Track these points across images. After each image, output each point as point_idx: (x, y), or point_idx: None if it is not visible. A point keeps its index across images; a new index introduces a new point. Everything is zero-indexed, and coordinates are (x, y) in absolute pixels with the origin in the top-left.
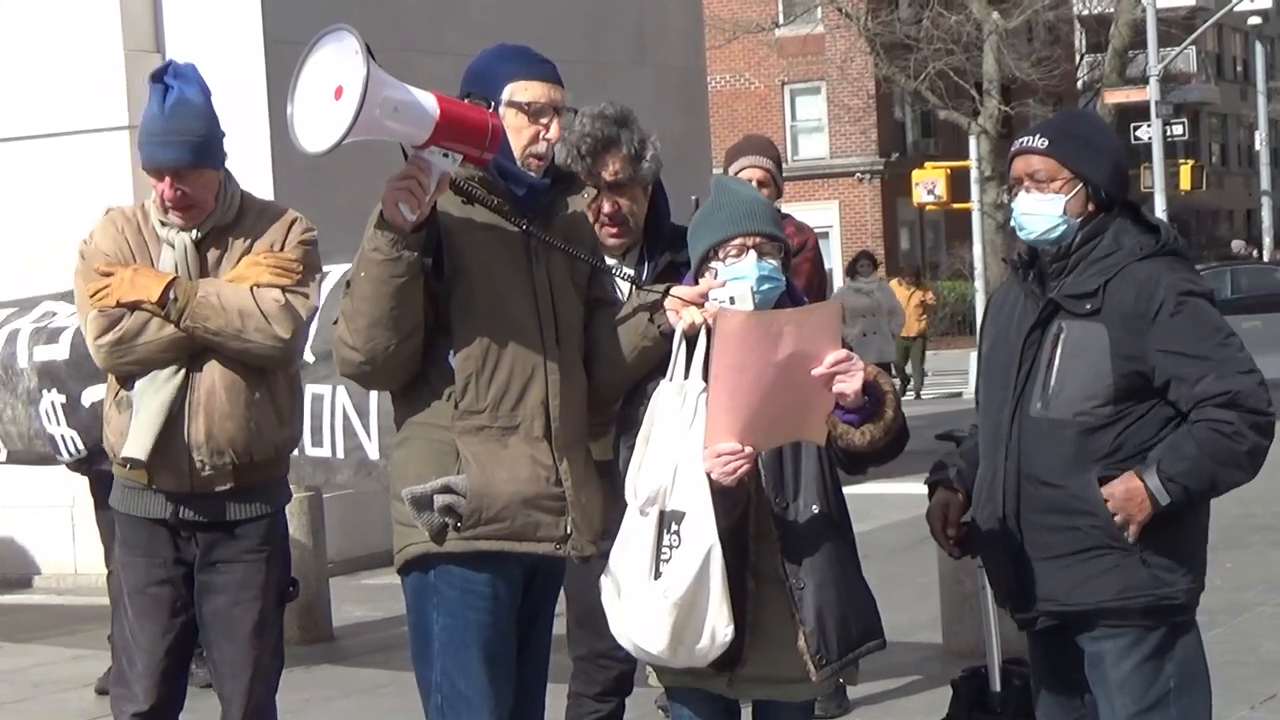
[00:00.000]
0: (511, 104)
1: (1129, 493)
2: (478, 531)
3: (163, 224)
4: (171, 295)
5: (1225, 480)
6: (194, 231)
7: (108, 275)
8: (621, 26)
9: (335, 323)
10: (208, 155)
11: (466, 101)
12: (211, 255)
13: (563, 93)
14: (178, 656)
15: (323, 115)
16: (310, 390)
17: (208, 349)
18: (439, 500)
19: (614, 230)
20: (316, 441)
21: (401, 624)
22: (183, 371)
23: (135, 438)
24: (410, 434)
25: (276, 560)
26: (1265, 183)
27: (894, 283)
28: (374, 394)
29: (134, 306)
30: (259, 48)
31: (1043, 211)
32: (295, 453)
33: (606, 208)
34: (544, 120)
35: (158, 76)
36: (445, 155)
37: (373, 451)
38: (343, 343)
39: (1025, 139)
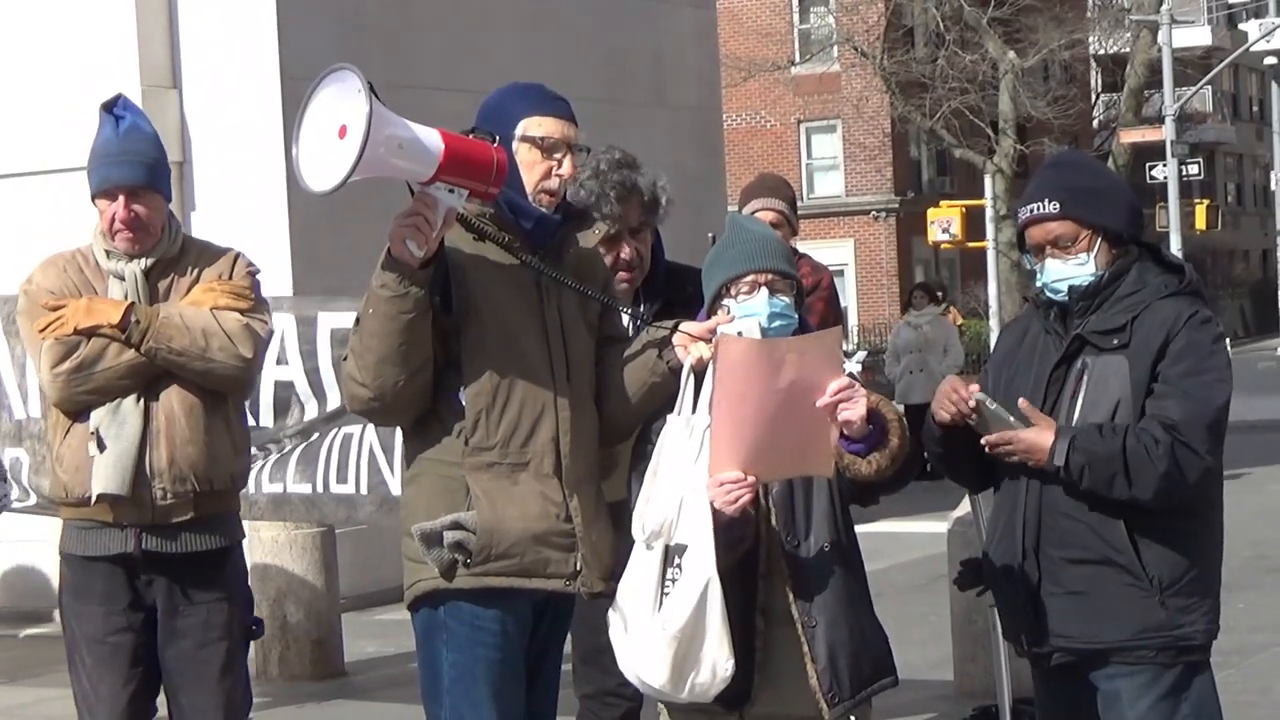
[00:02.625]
0: (525, 139)
1: (1035, 442)
2: (487, 568)
3: (109, 255)
4: (133, 318)
5: (1122, 488)
6: (143, 261)
7: (58, 309)
8: (637, 65)
9: (345, 359)
10: (159, 179)
11: (472, 137)
12: (160, 287)
13: (577, 130)
14: (140, 705)
15: (327, 154)
16: (343, 431)
17: (164, 375)
18: (449, 536)
19: (629, 275)
20: (341, 479)
21: (414, 659)
22: (143, 400)
23: (111, 472)
24: (420, 470)
25: (238, 599)
26: None
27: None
28: (400, 431)
29: (91, 333)
30: (275, 84)
31: (1075, 275)
32: (320, 490)
33: (627, 253)
34: (557, 156)
35: (109, 107)
36: (451, 191)
37: (396, 488)
38: (352, 379)
39: (1035, 206)
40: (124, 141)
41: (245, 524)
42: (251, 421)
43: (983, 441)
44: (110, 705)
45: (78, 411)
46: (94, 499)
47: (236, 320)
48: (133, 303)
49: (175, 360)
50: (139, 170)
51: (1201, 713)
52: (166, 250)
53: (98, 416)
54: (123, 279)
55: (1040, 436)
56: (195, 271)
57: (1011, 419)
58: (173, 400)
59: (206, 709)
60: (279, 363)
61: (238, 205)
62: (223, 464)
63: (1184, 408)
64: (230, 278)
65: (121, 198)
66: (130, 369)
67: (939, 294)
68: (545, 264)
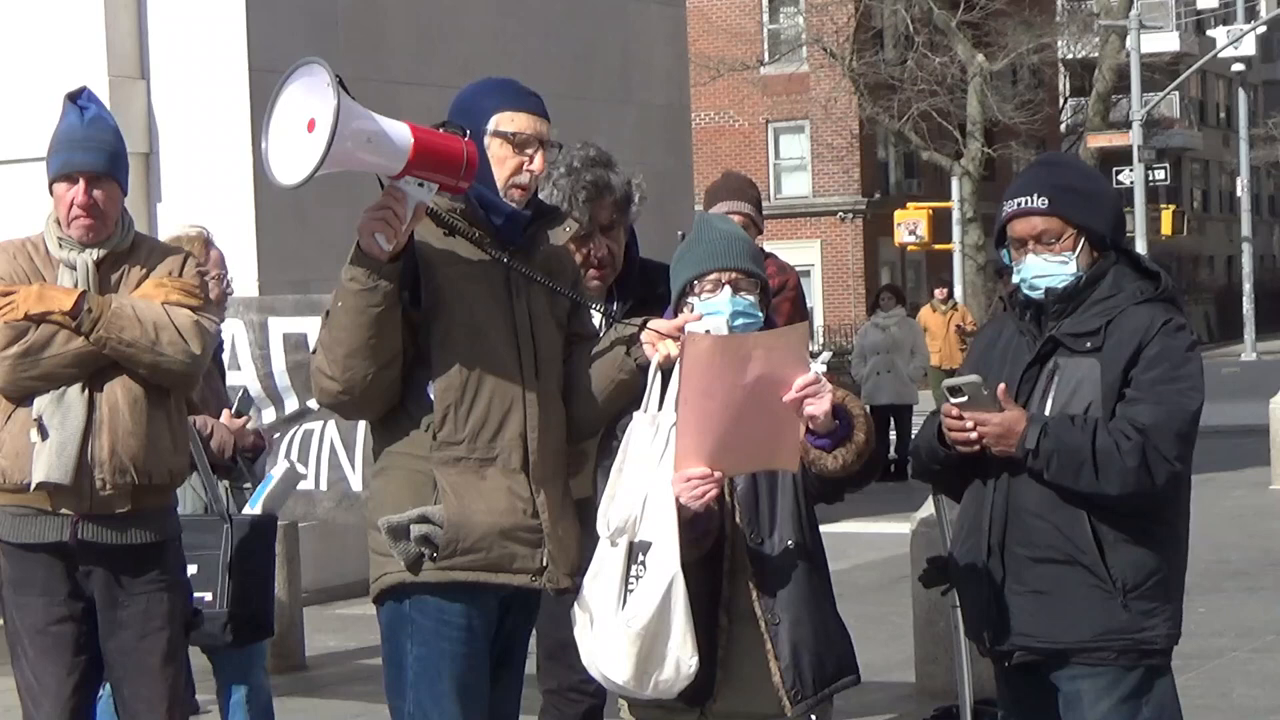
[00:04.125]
0: (497, 134)
1: (1010, 423)
2: (454, 562)
3: (61, 244)
4: (85, 306)
5: (1089, 480)
6: (95, 251)
7: (9, 294)
8: (607, 63)
9: (314, 352)
10: (119, 169)
11: (443, 131)
12: (110, 279)
13: (548, 126)
14: (84, 695)
15: (296, 148)
16: (303, 427)
17: (110, 366)
18: (415, 530)
19: (601, 273)
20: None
21: (375, 654)
22: (88, 389)
23: (53, 460)
24: (388, 464)
25: (178, 590)
26: (1246, 229)
27: (926, 308)
28: (361, 426)
29: (41, 319)
30: (243, 77)
31: (1056, 273)
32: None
33: (599, 251)
34: (529, 151)
35: (74, 97)
36: (421, 185)
37: (355, 483)
38: (321, 372)
39: (1022, 199)
40: (88, 129)
41: None
42: None
43: (952, 414)
44: (55, 696)
45: (21, 397)
46: (34, 486)
47: (187, 316)
48: (85, 291)
49: (124, 351)
50: (101, 157)
51: (1162, 716)
52: (119, 243)
53: (41, 404)
54: (73, 268)
55: (1014, 420)
56: (146, 267)
57: (997, 406)
58: (117, 392)
59: (151, 699)
60: (231, 368)
61: (204, 197)
62: (163, 458)
63: (1155, 414)
64: (180, 275)
65: (82, 182)
66: (77, 357)
67: (949, 293)
68: (515, 260)
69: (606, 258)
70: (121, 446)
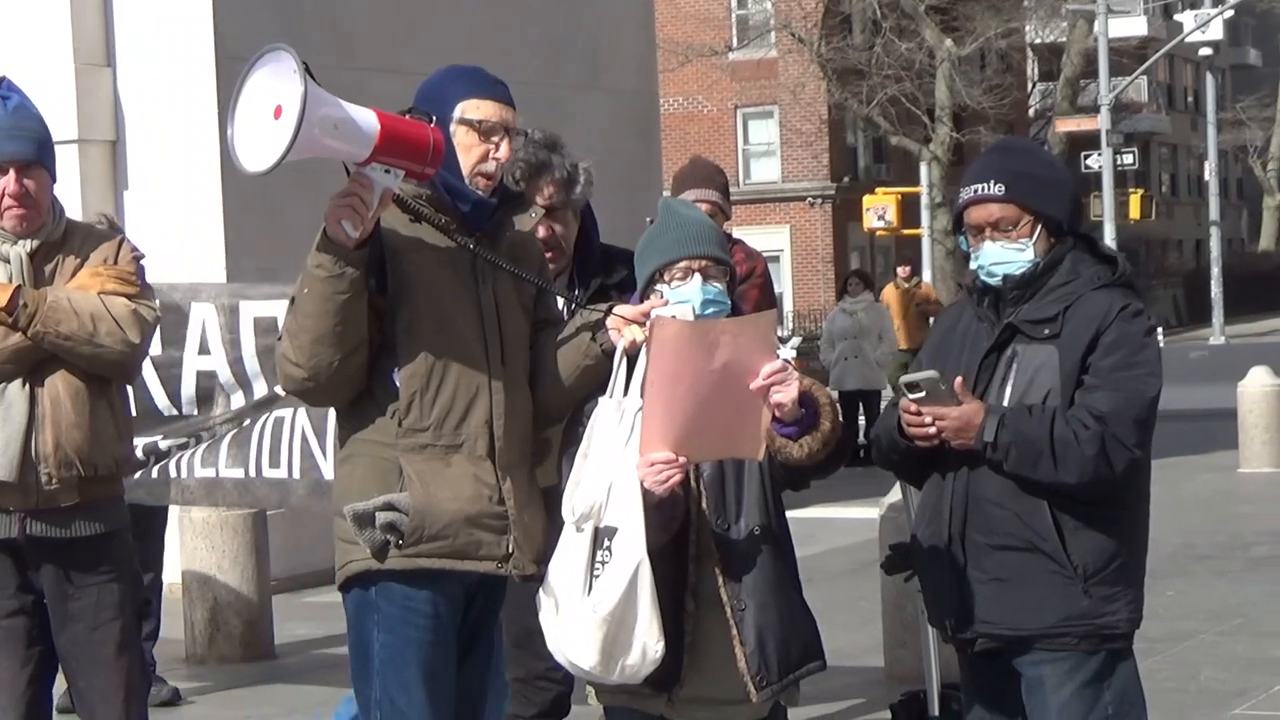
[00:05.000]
0: (463, 121)
1: (968, 417)
2: (419, 549)
3: None
4: (20, 301)
5: (1048, 470)
6: (28, 243)
7: None
8: (575, 50)
9: (279, 339)
10: (48, 155)
11: (409, 117)
12: (45, 270)
13: (514, 114)
14: (41, 685)
15: (263, 135)
16: (274, 415)
17: (49, 360)
18: (381, 517)
19: (548, 255)
20: (274, 463)
21: (344, 642)
22: (28, 384)
23: None
24: (354, 451)
25: (128, 580)
26: (1214, 213)
27: (890, 286)
28: (332, 414)
29: None
30: (210, 64)
31: (1014, 259)
32: (252, 474)
33: (541, 233)
34: (495, 139)
35: None
36: (387, 171)
37: (328, 471)
38: (286, 359)
39: (979, 186)
40: (13, 118)
41: (176, 508)
42: (174, 411)
43: (910, 409)
44: (10, 688)
45: None
46: None
47: (124, 305)
48: (19, 286)
49: (63, 345)
50: (30, 145)
51: (1124, 700)
52: (51, 233)
53: None
54: (7, 261)
55: (972, 414)
56: (80, 255)
57: (954, 400)
58: (58, 385)
59: (106, 689)
60: (201, 352)
61: (171, 185)
62: (107, 448)
63: (1113, 400)
64: (115, 262)
65: (13, 172)
66: (15, 353)
67: (913, 270)
68: (481, 247)
69: (551, 239)
70: (66, 439)
